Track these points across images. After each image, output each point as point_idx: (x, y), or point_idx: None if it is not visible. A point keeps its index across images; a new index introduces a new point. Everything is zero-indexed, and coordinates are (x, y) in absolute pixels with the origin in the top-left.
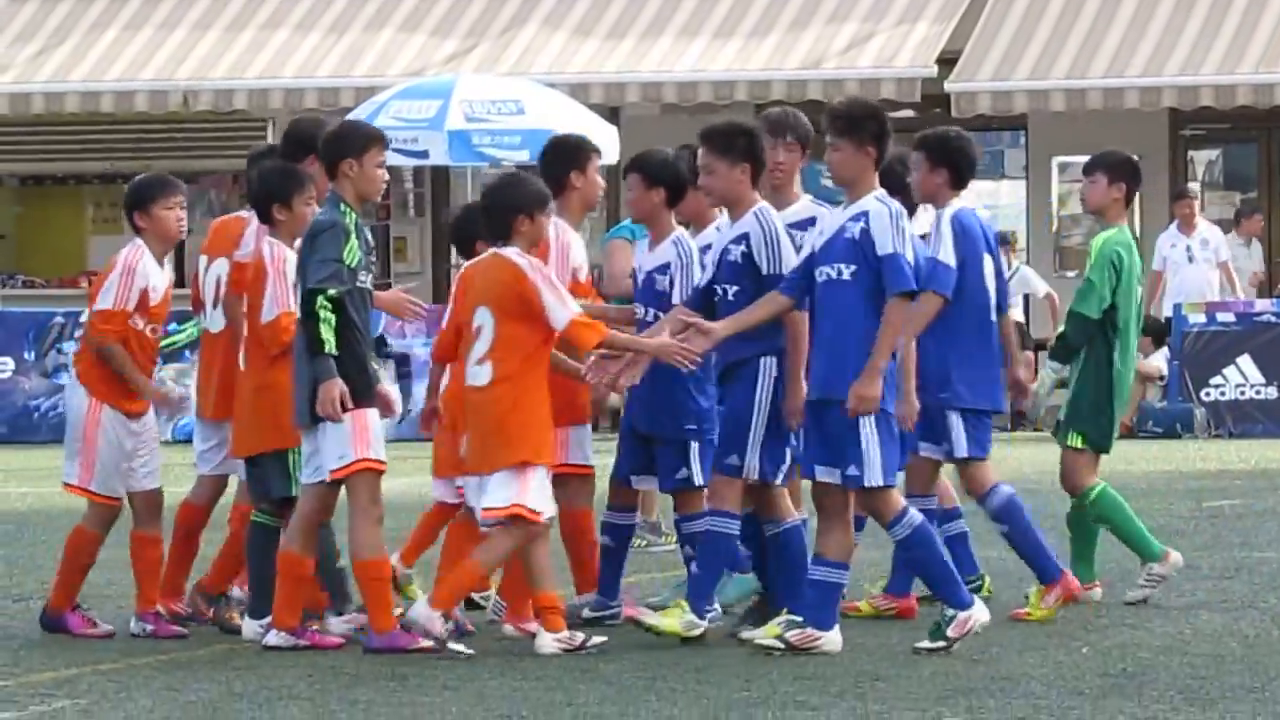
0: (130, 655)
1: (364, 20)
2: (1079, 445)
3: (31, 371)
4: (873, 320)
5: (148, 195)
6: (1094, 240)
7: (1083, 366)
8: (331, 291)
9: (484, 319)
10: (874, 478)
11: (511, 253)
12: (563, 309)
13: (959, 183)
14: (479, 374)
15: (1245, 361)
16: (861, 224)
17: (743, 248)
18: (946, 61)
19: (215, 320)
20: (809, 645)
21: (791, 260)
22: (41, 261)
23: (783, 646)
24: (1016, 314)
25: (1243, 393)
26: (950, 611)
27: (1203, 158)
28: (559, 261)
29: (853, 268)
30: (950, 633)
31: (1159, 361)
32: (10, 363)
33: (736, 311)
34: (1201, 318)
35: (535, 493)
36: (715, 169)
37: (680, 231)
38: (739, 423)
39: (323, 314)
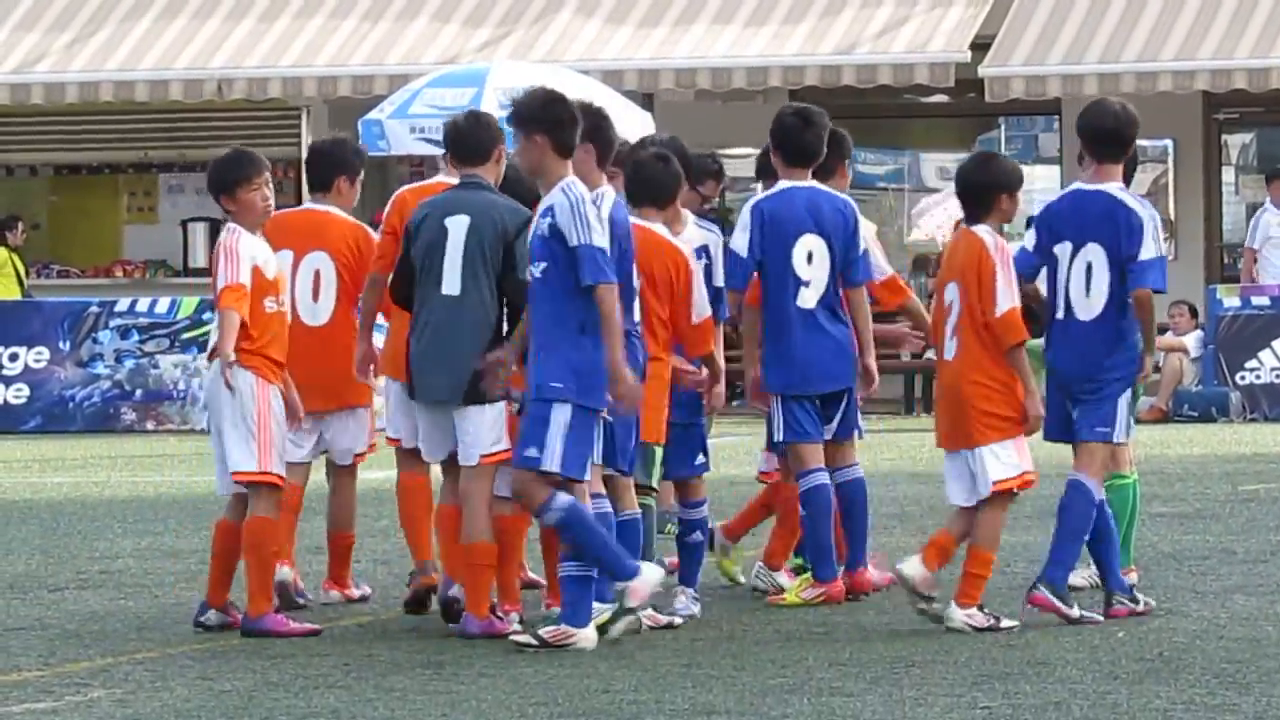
0: (166, 645)
1: (398, 8)
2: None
3: (67, 361)
4: (583, 314)
5: (231, 179)
6: None
7: None
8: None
9: (953, 294)
10: (551, 463)
11: (983, 230)
12: (1008, 297)
13: (792, 161)
14: (950, 347)
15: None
16: (549, 219)
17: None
18: (980, 46)
19: (319, 313)
20: (564, 642)
21: (602, 231)
22: (76, 251)
23: (537, 643)
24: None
25: (1278, 376)
26: (619, 584)
27: (1236, 141)
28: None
29: (543, 265)
30: (631, 603)
31: (1188, 339)
32: (45, 352)
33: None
34: (1236, 301)
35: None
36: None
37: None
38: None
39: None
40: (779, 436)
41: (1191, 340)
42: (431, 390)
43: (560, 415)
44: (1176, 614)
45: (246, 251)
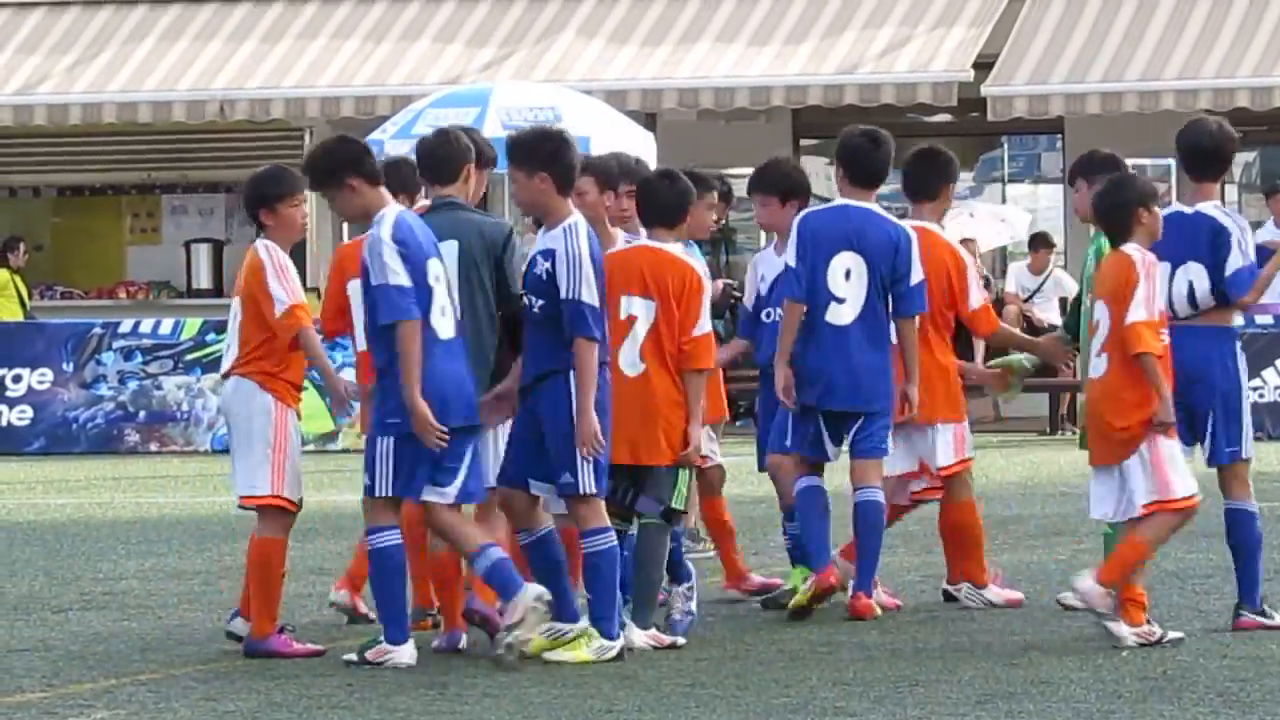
0: (170, 666)
1: (400, 29)
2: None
3: (70, 382)
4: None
5: (274, 193)
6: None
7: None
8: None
9: (1101, 313)
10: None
11: (1131, 248)
12: (1140, 310)
13: (857, 179)
14: (1098, 365)
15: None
16: (548, 264)
17: (548, 265)
18: (983, 65)
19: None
20: (383, 659)
21: (591, 285)
22: (79, 272)
23: (358, 660)
24: (1053, 316)
25: (1261, 395)
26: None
27: (1239, 160)
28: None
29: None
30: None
31: None
32: (49, 374)
33: (542, 324)
34: (1240, 320)
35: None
36: (516, 179)
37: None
38: (568, 440)
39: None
40: (787, 443)
41: None
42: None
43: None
44: (1181, 632)
45: (292, 267)
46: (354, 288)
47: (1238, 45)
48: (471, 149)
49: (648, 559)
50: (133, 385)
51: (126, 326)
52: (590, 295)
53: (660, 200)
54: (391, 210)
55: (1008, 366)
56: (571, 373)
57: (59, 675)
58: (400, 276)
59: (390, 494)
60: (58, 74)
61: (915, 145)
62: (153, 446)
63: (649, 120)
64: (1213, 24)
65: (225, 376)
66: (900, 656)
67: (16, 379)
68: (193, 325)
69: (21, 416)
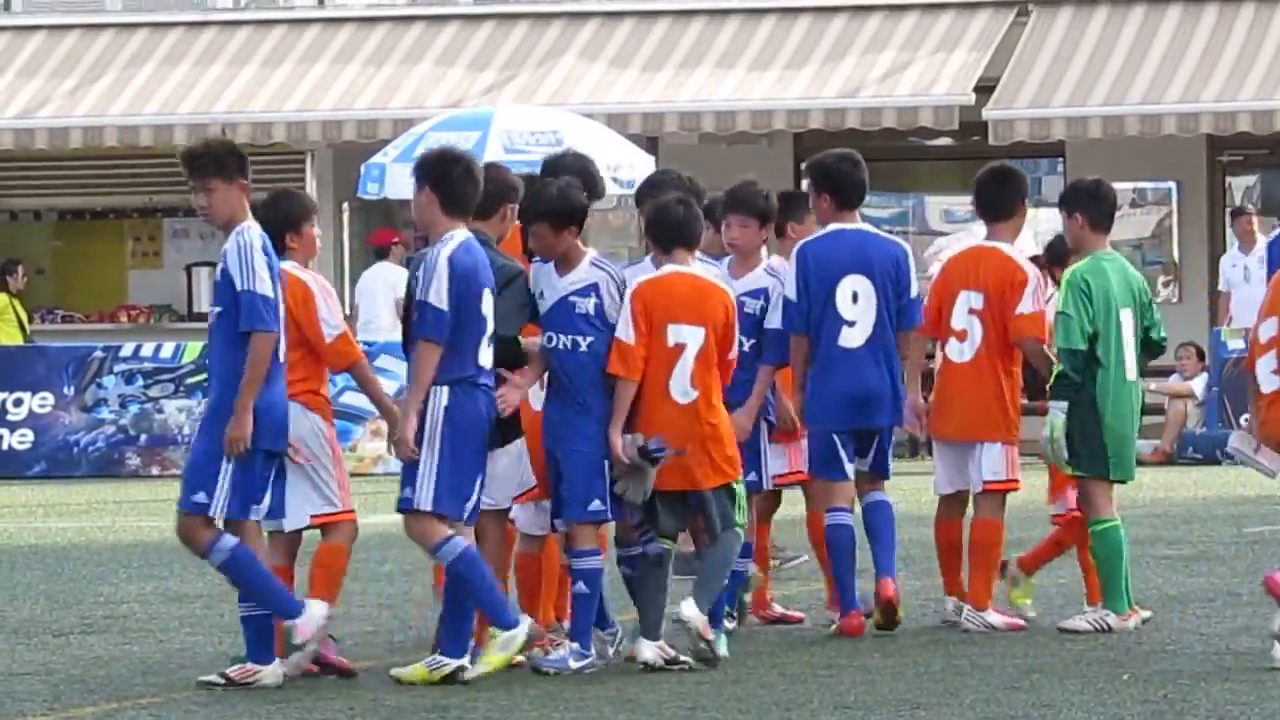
0: (171, 690)
1: (402, 52)
2: (1072, 473)
3: (71, 406)
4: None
5: (298, 215)
6: (1063, 275)
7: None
8: None
9: (1271, 330)
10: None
11: None
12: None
13: (845, 204)
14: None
15: None
16: (222, 264)
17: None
18: (984, 89)
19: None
20: (249, 679)
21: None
22: (80, 296)
23: (224, 681)
24: None
25: None
26: (287, 623)
27: (1240, 184)
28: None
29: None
30: (296, 640)
31: (1194, 383)
32: (50, 398)
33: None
34: (1240, 344)
35: None
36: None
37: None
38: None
39: None
40: (808, 469)
41: (1198, 383)
42: None
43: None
44: (1181, 656)
45: (334, 293)
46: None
47: (1239, 69)
48: (516, 189)
49: (721, 562)
50: (134, 409)
51: (128, 350)
52: (439, 300)
53: (673, 222)
54: (460, 234)
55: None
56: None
57: (60, 699)
58: (267, 285)
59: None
60: (59, 97)
61: (918, 168)
62: (154, 470)
63: (650, 144)
64: (1214, 48)
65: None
66: (901, 679)
67: (17, 403)
68: (194, 349)
69: (22, 440)
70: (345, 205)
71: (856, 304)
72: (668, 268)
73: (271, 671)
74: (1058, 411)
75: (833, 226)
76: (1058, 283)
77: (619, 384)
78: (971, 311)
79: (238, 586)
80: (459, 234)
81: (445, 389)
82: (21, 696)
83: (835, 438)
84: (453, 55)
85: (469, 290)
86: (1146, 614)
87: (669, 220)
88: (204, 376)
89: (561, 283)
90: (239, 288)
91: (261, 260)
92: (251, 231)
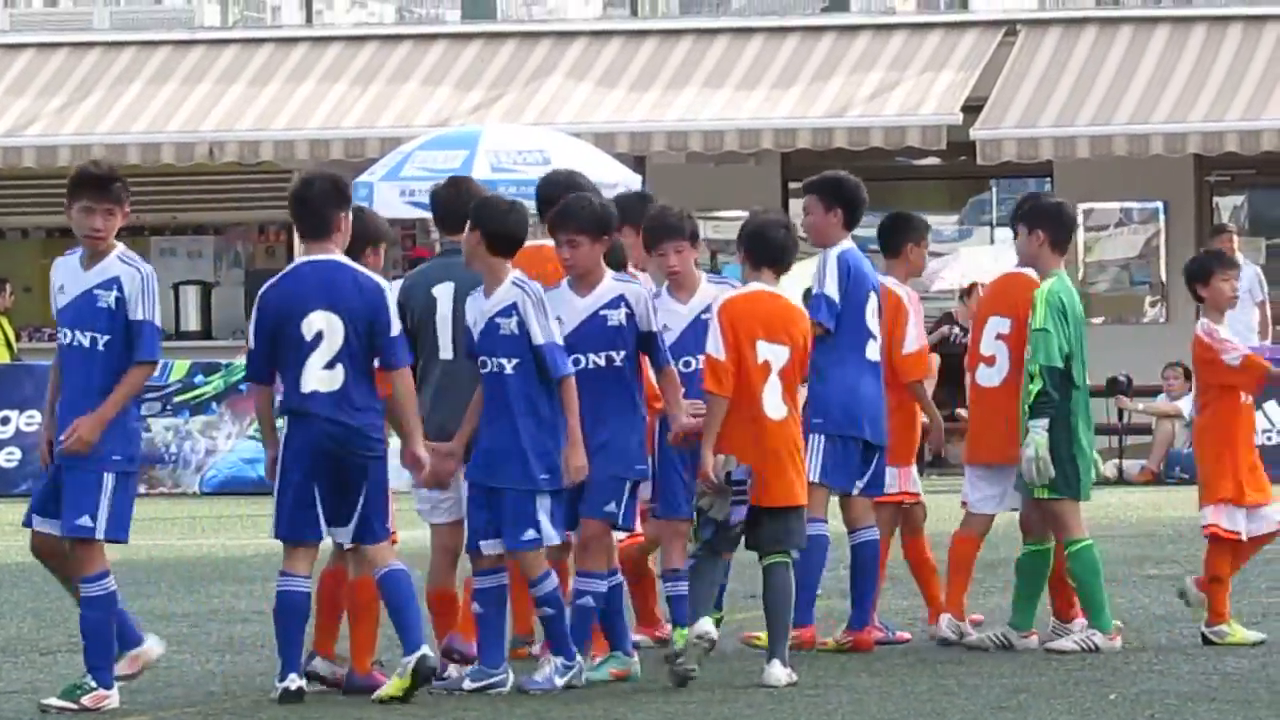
0: (159, 708)
1: (389, 72)
2: (1045, 496)
3: None
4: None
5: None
6: (1035, 292)
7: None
8: None
9: None
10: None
11: None
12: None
13: (851, 224)
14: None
15: (1272, 407)
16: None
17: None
18: (972, 109)
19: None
20: (99, 705)
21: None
22: None
23: (75, 707)
24: None
25: (1270, 438)
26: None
27: (1228, 203)
28: None
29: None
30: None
31: (1181, 403)
32: (37, 416)
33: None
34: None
35: None
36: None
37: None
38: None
39: None
40: (814, 477)
41: (1185, 403)
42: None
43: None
44: (1169, 676)
45: None
46: None
47: (1226, 89)
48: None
49: (788, 592)
50: None
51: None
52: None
53: (772, 242)
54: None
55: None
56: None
57: (47, 718)
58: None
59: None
60: (47, 115)
61: (906, 188)
62: (140, 488)
63: (638, 163)
64: (1201, 68)
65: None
66: (889, 699)
67: (4, 421)
68: (181, 367)
69: (10, 458)
70: None
71: (876, 320)
72: (754, 285)
73: (114, 695)
74: (1040, 430)
75: (849, 244)
76: (1200, 299)
77: (711, 401)
78: (999, 337)
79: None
80: None
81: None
82: (8, 715)
83: (849, 445)
84: (440, 74)
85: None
86: (1118, 642)
87: (770, 241)
88: (191, 395)
89: (584, 303)
90: (140, 317)
91: (157, 290)
92: (146, 262)
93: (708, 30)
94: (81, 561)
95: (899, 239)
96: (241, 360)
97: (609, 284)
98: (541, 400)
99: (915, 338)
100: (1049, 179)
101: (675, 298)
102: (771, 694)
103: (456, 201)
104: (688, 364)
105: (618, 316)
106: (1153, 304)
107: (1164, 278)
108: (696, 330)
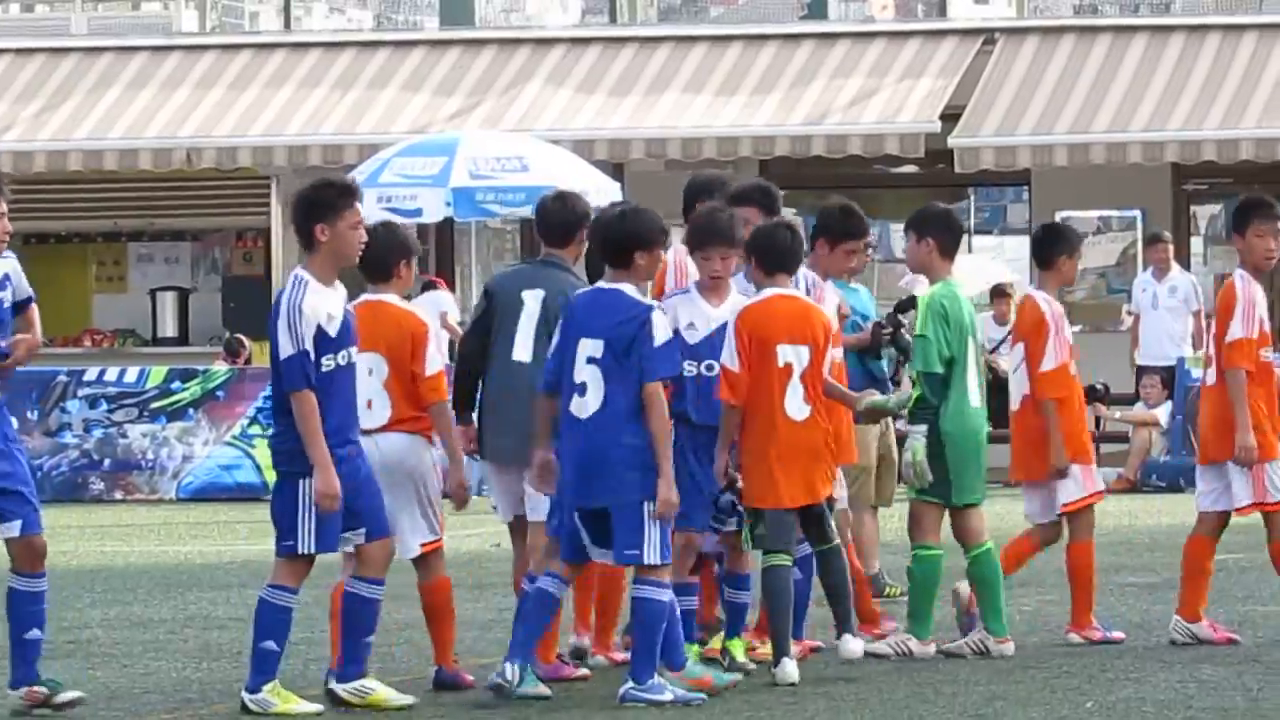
0: (136, 715)
1: (368, 78)
2: (915, 496)
3: (35, 430)
4: None
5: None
6: (919, 298)
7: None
8: None
9: None
10: None
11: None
12: None
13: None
14: None
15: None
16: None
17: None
18: (950, 117)
19: None
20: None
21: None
22: (45, 320)
23: None
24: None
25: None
26: None
27: (1205, 212)
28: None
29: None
30: None
31: (1158, 411)
32: (14, 421)
33: None
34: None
35: None
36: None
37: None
38: None
39: None
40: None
41: (1162, 411)
42: (501, 452)
43: None
44: (1145, 683)
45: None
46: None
47: (1204, 98)
48: (589, 215)
49: (841, 579)
50: (98, 433)
51: (92, 374)
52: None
53: (779, 248)
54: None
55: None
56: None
57: None
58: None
59: None
60: (24, 121)
61: (884, 195)
62: (118, 495)
63: (616, 170)
64: (1179, 77)
65: (373, 432)
66: (866, 706)
67: None
68: (158, 373)
69: None
70: None
71: None
72: (769, 291)
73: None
74: (918, 435)
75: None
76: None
77: (725, 409)
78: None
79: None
80: None
81: None
82: None
83: None
84: (419, 81)
85: None
86: (1009, 647)
87: (777, 246)
88: (168, 401)
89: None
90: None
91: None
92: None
93: (686, 37)
94: None
95: (1052, 251)
96: (218, 366)
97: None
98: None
99: (1055, 355)
100: (1027, 187)
101: (708, 300)
102: (750, 700)
103: (561, 215)
104: (710, 367)
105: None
106: (1130, 312)
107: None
108: (723, 336)
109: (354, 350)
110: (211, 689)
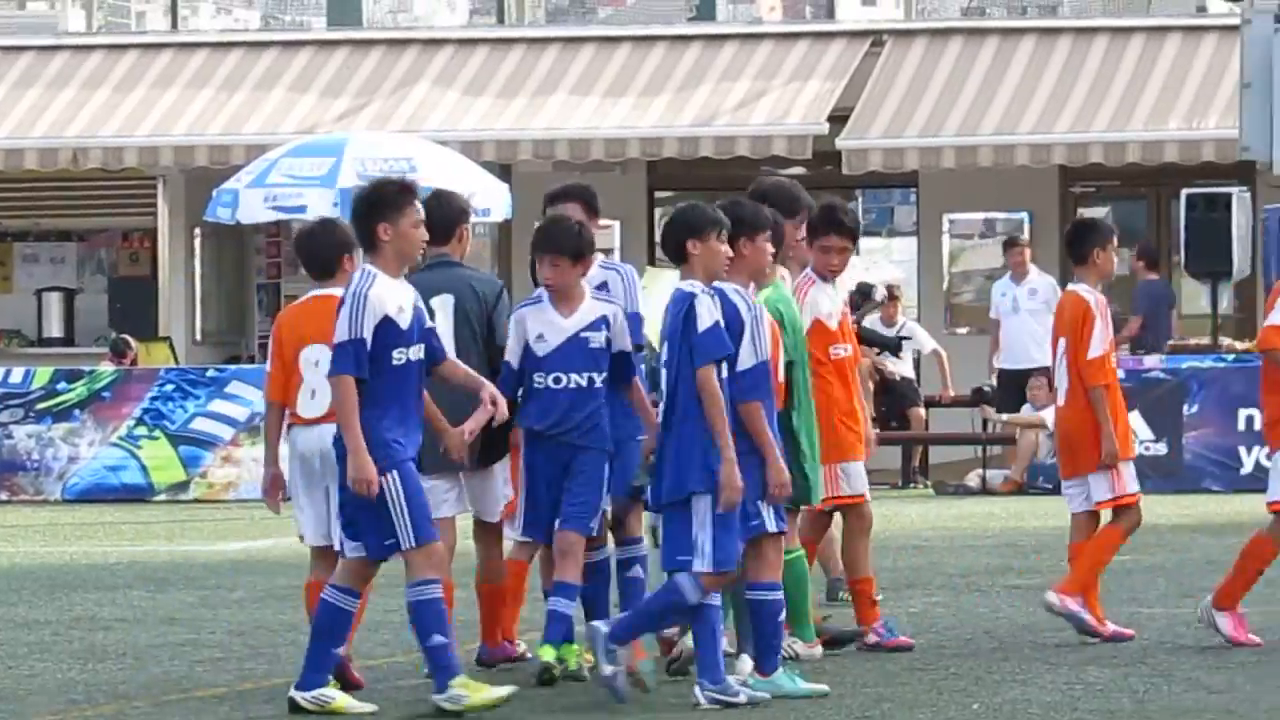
0: (21, 716)
1: (255, 78)
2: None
3: None
4: None
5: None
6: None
7: None
8: None
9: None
10: None
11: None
12: None
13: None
14: None
15: (1134, 418)
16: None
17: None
18: (838, 119)
19: None
20: None
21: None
22: None
23: None
24: (905, 369)
25: (1146, 449)
26: None
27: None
28: None
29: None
30: None
31: (1045, 414)
32: None
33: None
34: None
35: None
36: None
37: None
38: None
39: None
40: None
41: (1048, 414)
42: (439, 461)
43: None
44: (1031, 685)
45: None
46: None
47: (1091, 101)
48: (467, 211)
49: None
50: None
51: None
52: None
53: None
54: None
55: None
56: None
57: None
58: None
59: None
60: None
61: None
62: (2, 495)
63: (504, 171)
64: (1066, 79)
65: (300, 424)
66: (754, 707)
67: None
68: (44, 374)
69: None
70: (197, 230)
71: None
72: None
73: None
74: None
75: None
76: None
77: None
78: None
79: None
80: None
81: None
82: None
83: None
84: (306, 81)
85: None
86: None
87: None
88: (54, 401)
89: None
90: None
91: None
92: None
93: (574, 39)
94: None
95: (1085, 246)
96: (104, 367)
97: (590, 304)
98: None
99: (1100, 343)
100: (914, 189)
101: (559, 310)
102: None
103: (441, 213)
104: (558, 380)
105: (599, 338)
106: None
107: None
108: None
109: (422, 348)
110: (97, 690)
